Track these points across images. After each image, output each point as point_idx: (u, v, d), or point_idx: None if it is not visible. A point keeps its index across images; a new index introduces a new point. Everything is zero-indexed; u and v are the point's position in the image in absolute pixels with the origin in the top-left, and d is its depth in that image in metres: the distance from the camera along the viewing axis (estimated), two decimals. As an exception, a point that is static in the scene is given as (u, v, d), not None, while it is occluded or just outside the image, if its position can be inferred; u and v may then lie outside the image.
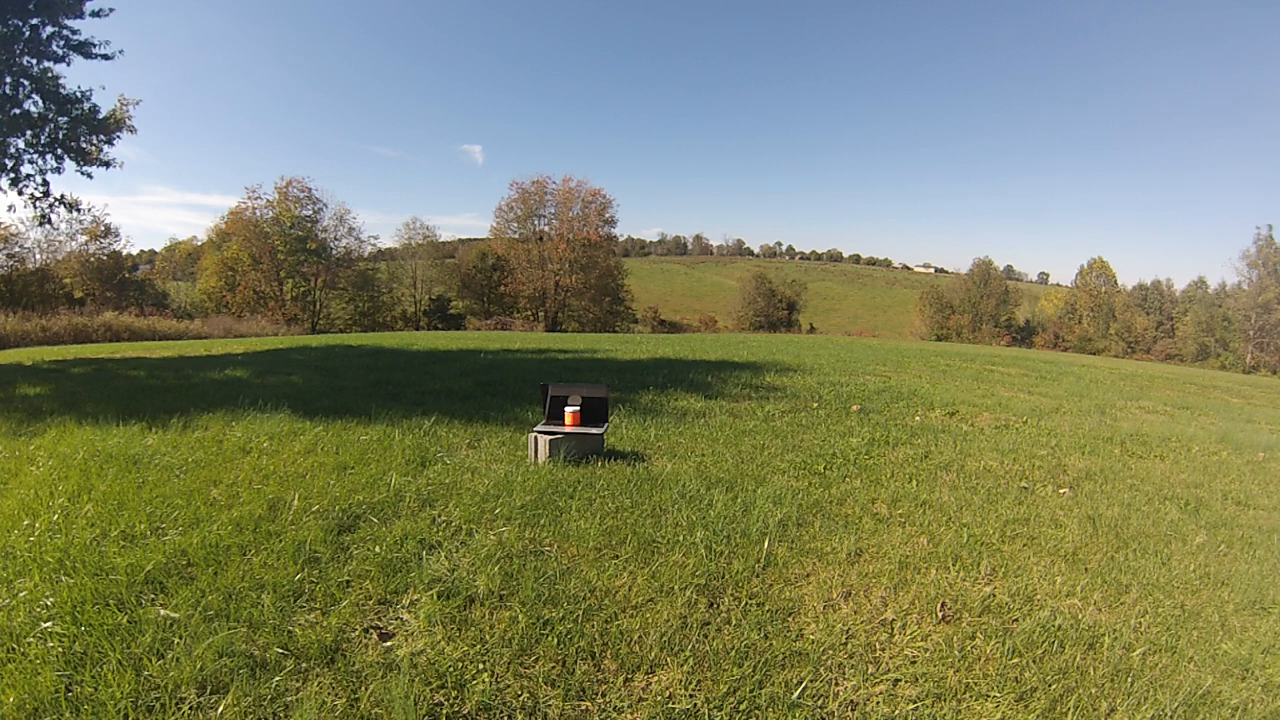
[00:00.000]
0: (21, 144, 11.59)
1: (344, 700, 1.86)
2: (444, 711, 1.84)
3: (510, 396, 6.67)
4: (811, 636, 2.26)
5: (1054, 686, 2.02)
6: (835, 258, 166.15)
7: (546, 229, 52.34)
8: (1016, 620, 2.41)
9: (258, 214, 44.27)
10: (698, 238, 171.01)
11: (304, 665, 2.01)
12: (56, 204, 12.46)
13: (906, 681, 2.04)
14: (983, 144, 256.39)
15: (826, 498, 3.66)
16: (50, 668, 1.94)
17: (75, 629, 2.14)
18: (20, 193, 11.88)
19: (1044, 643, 2.25)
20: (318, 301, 45.65)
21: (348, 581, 2.52)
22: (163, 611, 2.25)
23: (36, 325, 22.00)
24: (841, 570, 2.76)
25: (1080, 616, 2.46)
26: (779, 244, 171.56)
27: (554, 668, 2.03)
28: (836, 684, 2.03)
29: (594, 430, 4.20)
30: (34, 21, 10.89)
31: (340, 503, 3.31)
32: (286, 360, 10.55)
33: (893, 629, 2.34)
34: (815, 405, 6.51)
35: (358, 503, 3.32)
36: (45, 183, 12.04)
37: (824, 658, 2.14)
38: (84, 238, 37.99)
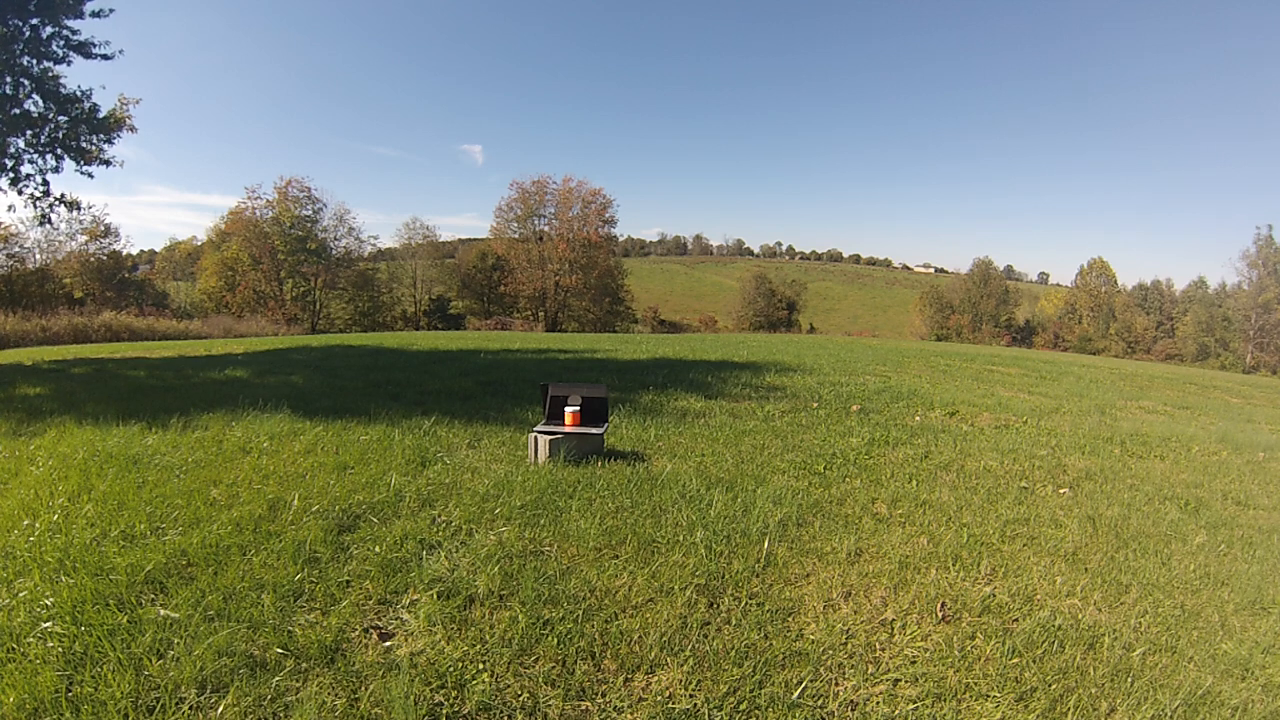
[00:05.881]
0: (21, 143, 11.57)
1: (344, 700, 1.86)
2: (444, 711, 1.84)
3: (510, 396, 6.67)
4: (811, 636, 2.26)
5: (1054, 686, 2.02)
6: (835, 258, 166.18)
7: (546, 229, 52.33)
8: (1016, 620, 2.41)
9: (257, 214, 44.28)
10: (698, 238, 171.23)
11: (304, 665, 2.01)
12: (56, 203, 12.44)
13: (906, 681, 2.04)
14: (983, 144, 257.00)
15: (826, 498, 3.66)
16: (50, 668, 1.94)
17: (75, 629, 2.14)
18: (20, 192, 11.86)
19: (1044, 643, 2.25)
20: (318, 301, 45.65)
21: (348, 581, 2.53)
22: (163, 611, 2.25)
23: (36, 325, 21.98)
24: (841, 570, 2.76)
25: (1080, 616, 2.46)
26: (779, 244, 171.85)
27: (554, 668, 2.03)
28: (836, 684, 2.03)
29: (594, 430, 4.20)
30: (34, 21, 10.89)
31: (340, 503, 3.31)
32: (286, 360, 10.55)
33: (893, 629, 2.34)
34: (815, 405, 6.51)
35: (358, 503, 3.32)
36: (45, 182, 12.03)
37: (824, 658, 2.14)
38: (84, 238, 37.96)
